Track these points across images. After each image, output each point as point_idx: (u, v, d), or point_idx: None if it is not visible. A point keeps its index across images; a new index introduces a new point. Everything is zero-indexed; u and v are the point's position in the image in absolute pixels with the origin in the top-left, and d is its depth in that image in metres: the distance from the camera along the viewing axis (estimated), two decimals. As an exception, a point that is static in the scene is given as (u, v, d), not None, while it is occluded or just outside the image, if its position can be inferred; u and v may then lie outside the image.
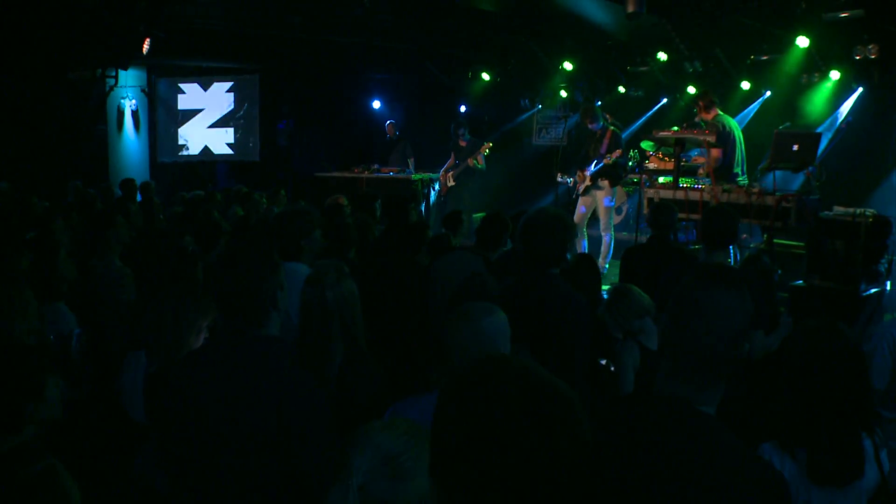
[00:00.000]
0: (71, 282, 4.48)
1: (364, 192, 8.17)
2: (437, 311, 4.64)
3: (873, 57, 9.41)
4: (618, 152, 8.50)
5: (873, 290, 6.47)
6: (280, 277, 2.35)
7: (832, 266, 6.30)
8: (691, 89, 12.21)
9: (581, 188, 8.98)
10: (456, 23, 10.49)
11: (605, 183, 8.75)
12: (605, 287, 8.08)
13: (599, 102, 14.08)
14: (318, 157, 14.37)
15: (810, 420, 2.52)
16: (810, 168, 6.48)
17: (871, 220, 6.19)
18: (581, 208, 9.03)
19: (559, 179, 9.12)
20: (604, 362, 3.98)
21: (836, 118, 10.57)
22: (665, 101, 13.20)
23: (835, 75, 10.24)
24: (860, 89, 10.52)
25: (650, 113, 13.37)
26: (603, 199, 8.82)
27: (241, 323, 2.27)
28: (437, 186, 12.13)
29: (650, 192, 6.80)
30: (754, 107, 11.72)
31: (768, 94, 11.54)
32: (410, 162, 12.56)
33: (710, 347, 1.76)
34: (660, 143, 7.26)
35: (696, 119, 7.67)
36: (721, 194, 6.28)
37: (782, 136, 6.19)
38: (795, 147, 6.02)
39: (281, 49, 12.38)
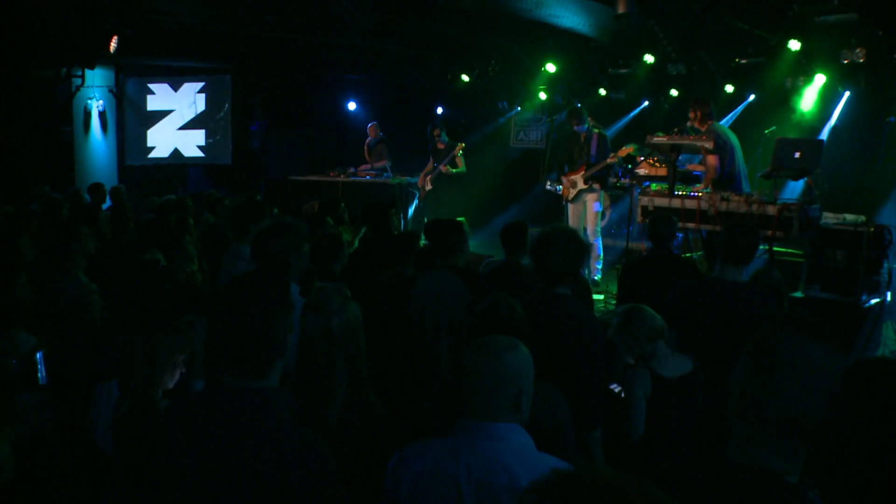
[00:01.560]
0: (30, 300, 4.11)
1: (332, 197, 7.78)
2: (425, 336, 4.34)
3: (861, 61, 9.31)
4: (613, 157, 8.21)
5: (874, 301, 6.31)
6: (292, 319, 2.02)
7: (833, 277, 6.12)
8: (674, 92, 12.10)
9: (571, 195, 8.70)
10: (437, 24, 10.17)
11: (598, 186, 8.49)
12: (596, 297, 7.93)
13: (579, 105, 13.93)
14: (291, 159, 13.98)
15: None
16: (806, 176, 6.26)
17: (872, 229, 6.02)
18: (571, 215, 8.77)
19: (548, 188, 8.83)
20: (616, 388, 3.70)
21: (828, 122, 10.47)
22: (647, 104, 13.08)
23: (820, 79, 10.14)
24: (847, 93, 10.45)
25: (631, 116, 13.22)
26: (592, 203, 8.55)
27: (240, 373, 1.94)
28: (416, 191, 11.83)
29: (644, 200, 6.55)
30: (738, 110, 11.61)
31: (752, 97, 11.43)
32: (388, 165, 12.24)
33: (801, 411, 1.47)
34: (654, 150, 7.02)
35: (689, 125, 7.44)
36: (720, 203, 6.05)
37: (784, 143, 5.99)
38: (797, 154, 5.82)
39: (254, 48, 11.99)
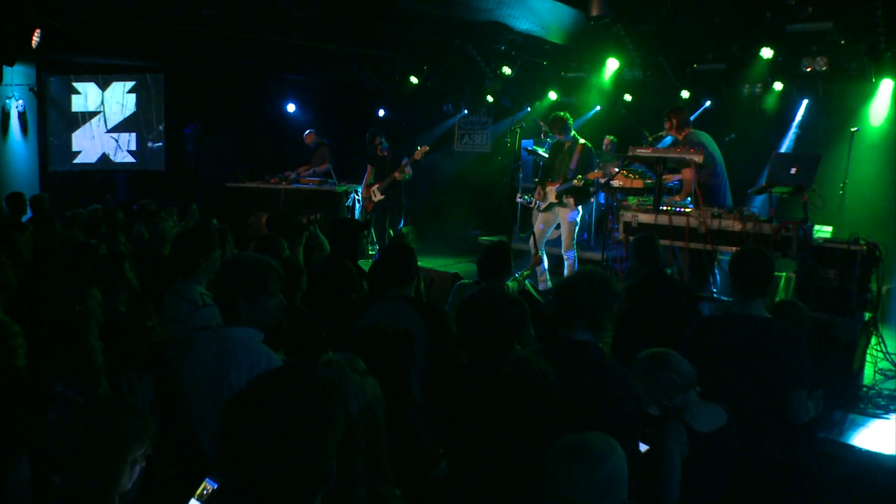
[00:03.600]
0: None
1: (281, 214, 7.06)
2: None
3: (824, 69, 9.19)
4: (587, 176, 7.74)
5: (866, 318, 6.08)
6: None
7: (825, 295, 5.82)
8: (628, 97, 11.85)
9: (543, 204, 8.22)
10: (389, 22, 9.61)
11: (570, 200, 8.03)
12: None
13: (529, 108, 13.60)
14: (227, 165, 13.13)
15: None
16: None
17: (864, 247, 5.74)
18: (539, 225, 8.28)
19: (517, 199, 8.32)
20: (643, 449, 3.23)
21: (789, 131, 10.36)
22: (598, 108, 12.80)
23: (778, 86, 10.02)
24: (805, 101, 10.36)
25: (583, 120, 12.90)
26: (567, 215, 8.08)
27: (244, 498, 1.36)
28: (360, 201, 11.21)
29: (627, 216, 6.12)
30: (692, 117, 11.39)
31: (708, 103, 11.24)
32: (330, 169, 11.61)
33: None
34: (639, 163, 6.62)
35: (664, 134, 7.09)
36: (711, 220, 5.67)
37: (780, 158, 5.67)
38: (793, 170, 5.49)
39: (189, 46, 11.15)
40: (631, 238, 6.24)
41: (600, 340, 3.12)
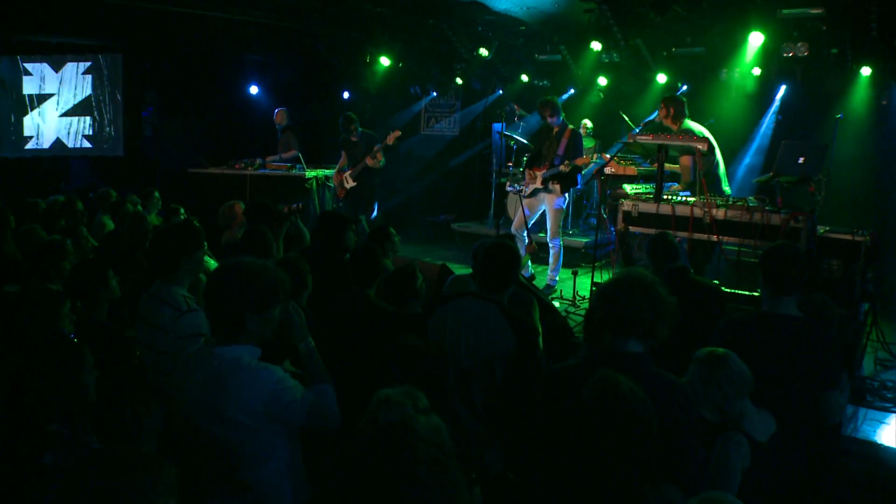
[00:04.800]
0: None
1: (262, 204, 6.63)
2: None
3: (805, 54, 9.09)
4: (575, 161, 7.52)
5: (866, 307, 6.00)
6: None
7: (827, 287, 5.69)
8: (602, 80, 11.64)
9: (528, 189, 7.97)
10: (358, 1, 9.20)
11: (557, 187, 7.79)
12: (557, 305, 7.28)
13: (501, 91, 13.30)
14: (188, 150, 12.56)
15: None
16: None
17: (868, 238, 5.62)
18: (525, 210, 8.02)
19: (508, 188, 8.03)
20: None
21: (767, 116, 10.27)
22: (573, 91, 12.58)
23: (756, 71, 9.91)
24: (784, 87, 10.27)
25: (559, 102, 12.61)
26: (553, 202, 7.84)
27: None
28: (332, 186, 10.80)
29: (627, 206, 5.89)
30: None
31: (685, 88, 11.08)
32: (298, 155, 11.17)
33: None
34: (640, 151, 6.39)
35: (657, 120, 6.87)
36: (716, 210, 5.47)
37: (789, 147, 5.47)
38: (801, 159, 5.32)
39: (148, 24, 10.56)
40: (630, 228, 6.07)
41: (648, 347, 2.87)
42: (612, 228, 6.33)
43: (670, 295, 2.75)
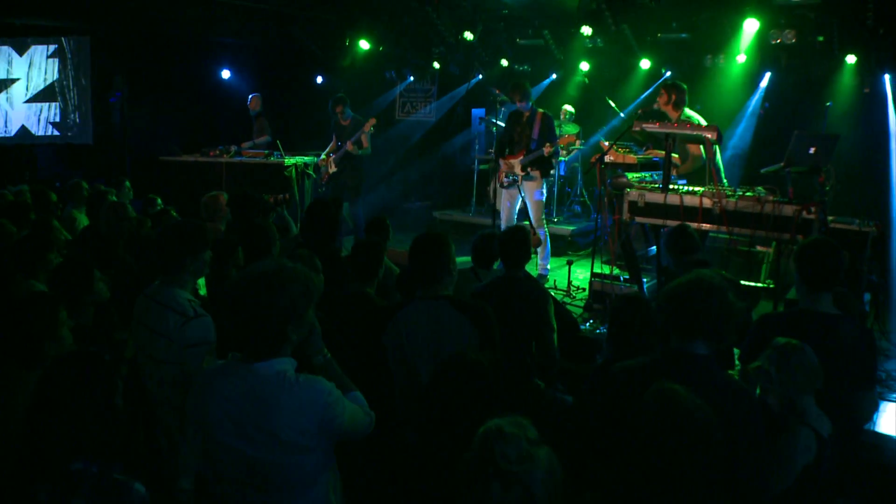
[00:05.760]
0: None
1: (245, 193, 6.32)
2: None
3: (792, 41, 9.04)
4: (556, 142, 7.41)
5: (867, 298, 5.96)
6: None
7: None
8: (584, 65, 11.50)
9: (505, 181, 7.81)
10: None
11: (537, 173, 7.65)
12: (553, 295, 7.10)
13: (481, 76, 13.07)
14: (158, 136, 12.13)
15: None
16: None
17: (875, 229, 5.54)
18: (506, 203, 7.87)
19: (504, 181, 7.82)
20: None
21: (751, 103, 10.22)
22: (554, 76, 12.42)
23: (741, 59, 9.84)
24: (768, 74, 10.22)
25: (539, 89, 12.46)
26: (533, 192, 7.70)
27: None
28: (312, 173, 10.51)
29: (633, 195, 5.71)
30: (654, 87, 11.14)
31: (668, 74, 10.98)
32: (269, 141, 10.85)
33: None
34: (647, 139, 6.24)
35: (655, 107, 6.72)
36: (726, 200, 5.34)
37: (801, 137, 5.35)
38: (812, 150, 5.21)
39: (116, 5, 10.12)
40: (637, 219, 5.92)
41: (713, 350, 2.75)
42: (612, 218, 6.16)
43: (743, 303, 2.67)
